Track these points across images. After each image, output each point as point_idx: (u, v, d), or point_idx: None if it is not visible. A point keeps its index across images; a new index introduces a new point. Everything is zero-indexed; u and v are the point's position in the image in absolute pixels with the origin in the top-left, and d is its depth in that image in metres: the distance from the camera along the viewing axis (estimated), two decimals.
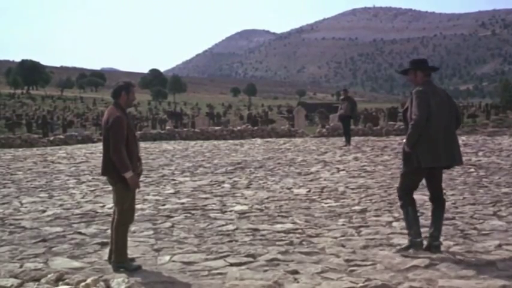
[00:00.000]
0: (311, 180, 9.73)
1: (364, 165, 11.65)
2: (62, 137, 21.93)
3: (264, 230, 5.96)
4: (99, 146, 15.12)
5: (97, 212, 7.09)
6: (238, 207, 7.26)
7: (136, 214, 5.33)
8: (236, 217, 6.67)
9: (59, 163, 13.33)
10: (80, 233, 5.92)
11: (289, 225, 6.16)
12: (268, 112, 58.02)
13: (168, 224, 6.33)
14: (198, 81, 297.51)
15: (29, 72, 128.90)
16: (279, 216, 6.71)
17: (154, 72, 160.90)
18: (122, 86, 4.73)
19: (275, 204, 7.46)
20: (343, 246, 5.26)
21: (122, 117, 4.54)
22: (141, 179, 6.26)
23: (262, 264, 4.68)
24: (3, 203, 7.86)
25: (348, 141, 16.38)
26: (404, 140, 5.01)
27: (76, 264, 4.75)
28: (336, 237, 5.60)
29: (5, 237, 5.78)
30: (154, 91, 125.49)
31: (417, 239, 4.90)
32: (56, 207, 7.46)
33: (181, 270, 4.59)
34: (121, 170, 4.48)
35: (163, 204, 7.59)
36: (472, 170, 10.54)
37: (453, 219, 6.33)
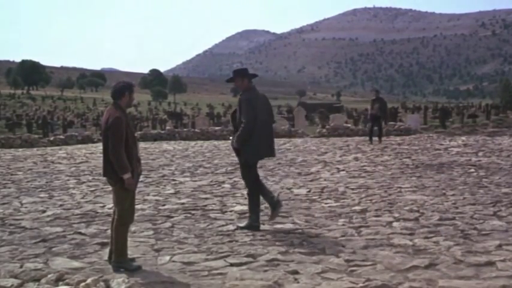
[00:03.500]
0: (311, 181, 9.73)
1: (364, 166, 11.64)
2: (62, 137, 21.92)
3: (264, 230, 5.96)
4: (100, 146, 15.08)
5: (97, 212, 7.09)
6: (238, 208, 7.25)
7: (136, 214, 5.33)
8: (236, 217, 6.67)
9: (59, 163, 13.32)
10: (80, 233, 5.92)
11: (290, 226, 6.17)
12: None
13: (168, 224, 6.33)
14: (198, 82, 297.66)
15: (29, 73, 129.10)
16: (279, 216, 6.70)
17: (155, 72, 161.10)
18: (125, 86, 4.72)
19: None
20: (343, 246, 5.26)
21: (122, 118, 4.54)
22: (141, 179, 6.27)
23: (262, 265, 4.68)
24: (4, 203, 7.85)
25: (379, 139, 16.98)
26: (232, 138, 5.98)
27: (76, 264, 4.75)
28: (336, 238, 5.60)
29: (5, 238, 5.78)
30: (155, 91, 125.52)
31: (256, 223, 5.91)
32: (56, 208, 7.46)
33: (181, 270, 4.59)
34: (119, 171, 4.48)
35: (164, 205, 7.59)
36: (472, 170, 10.55)
37: (453, 219, 6.33)
